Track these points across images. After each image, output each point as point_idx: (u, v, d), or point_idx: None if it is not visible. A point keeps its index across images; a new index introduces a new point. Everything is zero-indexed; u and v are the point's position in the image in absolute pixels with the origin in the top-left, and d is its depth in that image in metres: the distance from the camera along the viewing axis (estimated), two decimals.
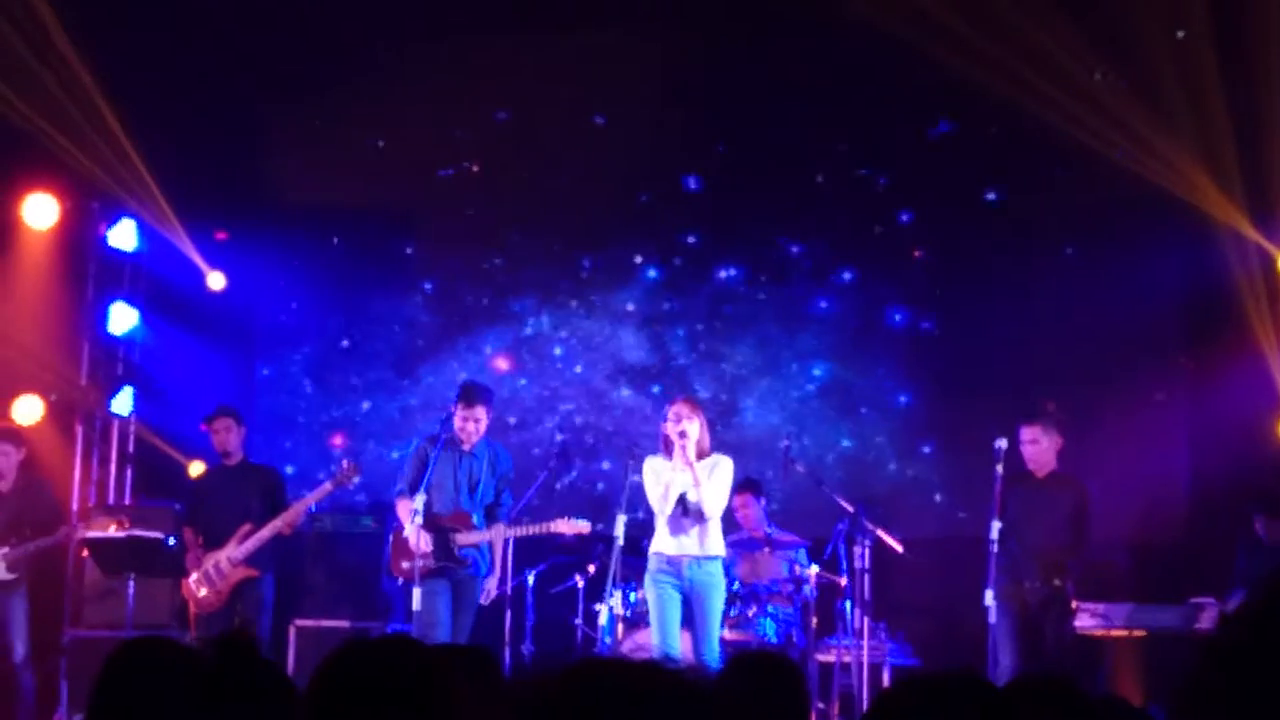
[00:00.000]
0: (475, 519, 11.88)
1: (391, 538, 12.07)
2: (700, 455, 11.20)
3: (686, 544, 11.18)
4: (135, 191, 14.62)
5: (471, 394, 12.02)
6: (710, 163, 15.13)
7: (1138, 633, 12.38)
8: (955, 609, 12.69)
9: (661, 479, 11.20)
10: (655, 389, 15.13)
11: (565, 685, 3.23)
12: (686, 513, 11.18)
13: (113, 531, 12.96)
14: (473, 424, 11.93)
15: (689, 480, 11.13)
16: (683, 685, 3.24)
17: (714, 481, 11.18)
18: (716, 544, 11.23)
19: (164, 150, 14.55)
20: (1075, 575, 11.80)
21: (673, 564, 11.16)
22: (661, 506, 11.20)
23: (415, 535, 11.37)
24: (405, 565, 11.65)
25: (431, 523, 11.64)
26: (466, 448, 11.95)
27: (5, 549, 12.76)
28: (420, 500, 11.34)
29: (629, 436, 14.28)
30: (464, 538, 11.78)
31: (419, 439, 12.23)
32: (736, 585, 12.47)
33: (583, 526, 11.88)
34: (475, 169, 15.47)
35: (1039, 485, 11.96)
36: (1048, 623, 11.74)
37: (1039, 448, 11.95)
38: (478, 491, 11.94)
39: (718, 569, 11.23)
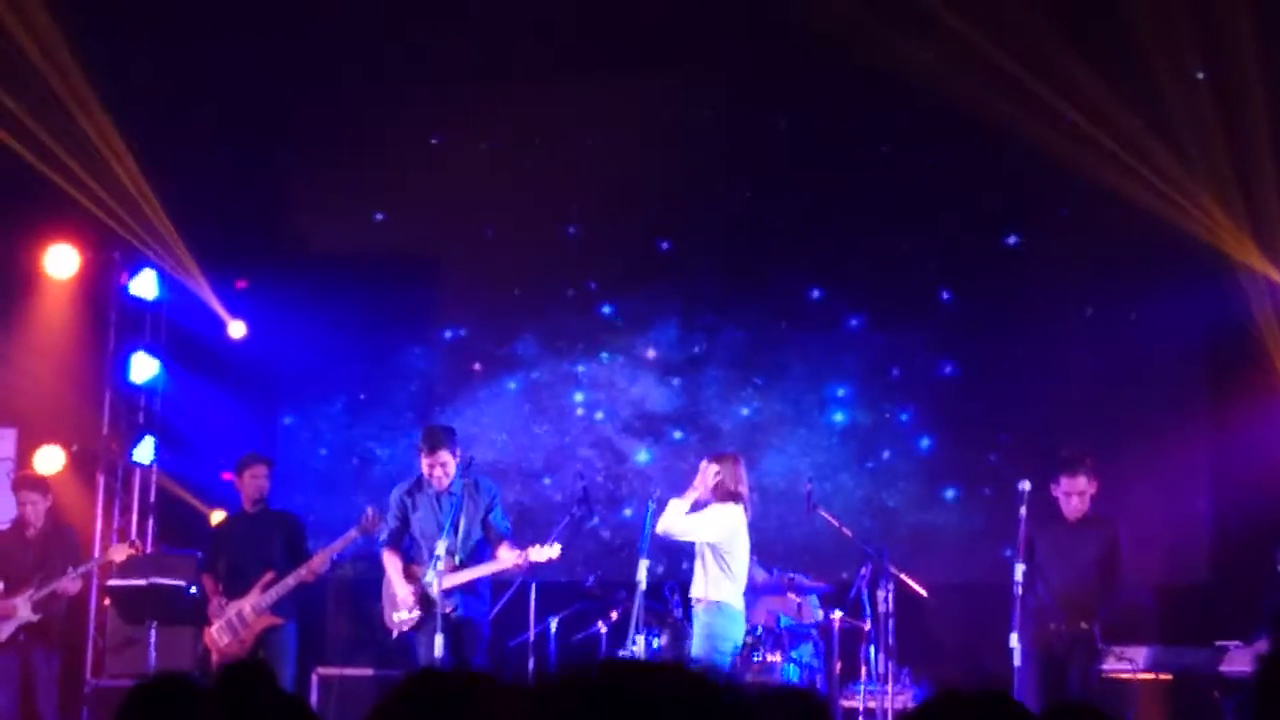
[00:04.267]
0: (458, 559, 11.71)
1: (384, 586, 12.01)
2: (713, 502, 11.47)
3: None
4: (156, 241, 14.68)
5: (432, 439, 12.02)
6: (731, 208, 15.13)
7: (1164, 676, 12.29)
8: (980, 653, 12.64)
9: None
10: (676, 435, 15.11)
11: (588, 679, 3.23)
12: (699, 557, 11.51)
13: (128, 554, 13.03)
14: (439, 469, 11.91)
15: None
16: (702, 684, 3.25)
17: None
18: (704, 588, 11.28)
19: (184, 200, 14.62)
20: (1105, 618, 11.69)
21: None
22: None
23: (437, 583, 11.26)
24: (395, 617, 11.62)
25: (412, 572, 11.63)
26: (441, 489, 11.92)
27: (30, 591, 12.81)
28: (443, 545, 11.25)
29: (650, 482, 14.27)
30: (447, 580, 11.56)
31: (396, 489, 12.25)
32: (759, 630, 12.45)
33: (552, 552, 11.80)
34: (493, 218, 15.49)
35: (1070, 528, 11.81)
36: (1073, 666, 11.65)
37: (1085, 499, 11.85)
38: (460, 530, 11.75)
39: (702, 613, 11.29)
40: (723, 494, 11.43)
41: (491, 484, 12.25)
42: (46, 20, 13.21)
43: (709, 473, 11.49)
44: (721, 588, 11.25)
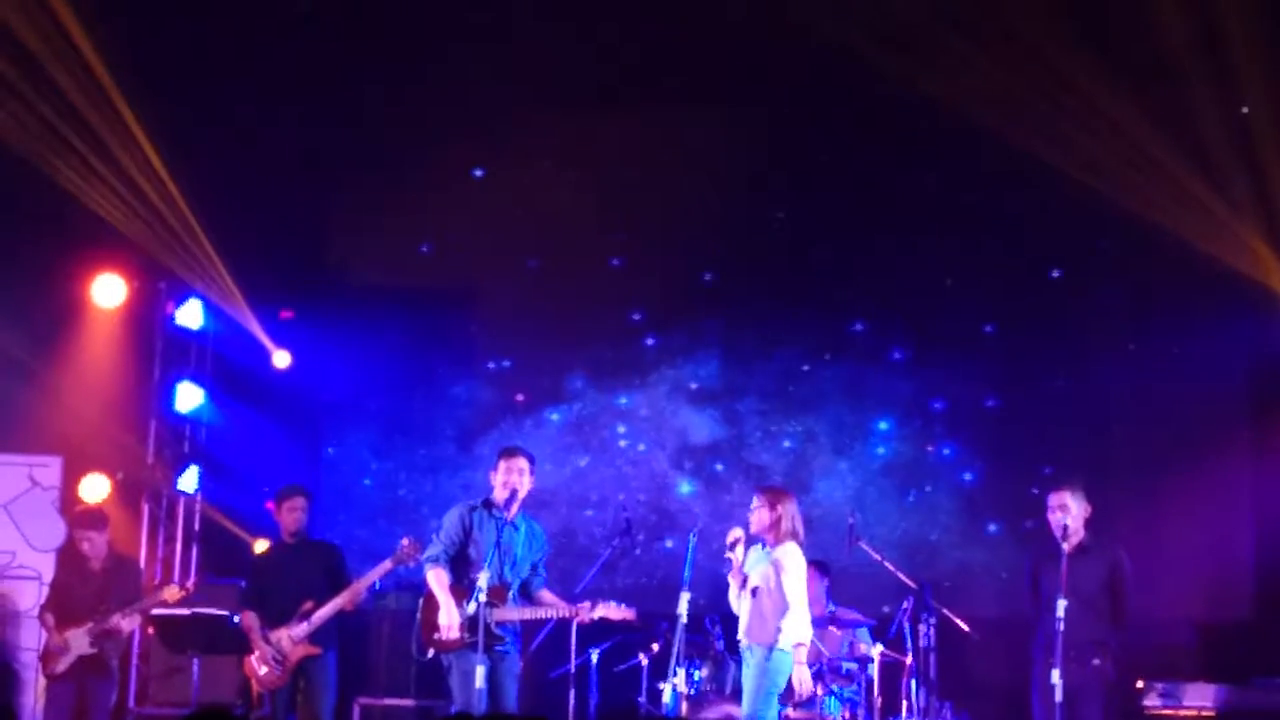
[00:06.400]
0: (510, 594, 11.32)
1: (421, 605, 11.43)
2: (776, 542, 11.23)
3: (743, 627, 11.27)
4: (202, 271, 14.74)
5: (511, 447, 11.65)
6: (775, 241, 15.13)
7: (1206, 712, 12.24)
8: (1021, 688, 12.59)
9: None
10: (719, 466, 15.12)
11: None
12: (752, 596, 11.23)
13: (180, 597, 13.02)
14: (516, 475, 11.34)
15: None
16: None
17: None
18: (770, 632, 11.15)
19: (230, 231, 14.67)
20: (1115, 652, 11.48)
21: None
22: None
23: (479, 611, 10.95)
24: (438, 637, 11.19)
25: (460, 593, 11.26)
26: (509, 515, 11.33)
27: (90, 624, 12.81)
28: (485, 577, 10.97)
29: (692, 514, 14.28)
30: (500, 613, 11.17)
31: (457, 507, 11.55)
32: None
33: (628, 614, 11.58)
34: (536, 250, 15.53)
35: (1071, 558, 11.37)
36: (1085, 704, 11.39)
37: (1069, 514, 11.55)
38: (515, 565, 11.37)
39: (764, 654, 11.13)
40: (786, 533, 11.28)
41: (545, 537, 11.75)
42: (94, 56, 13.30)
43: (769, 514, 11.33)
44: (780, 629, 11.09)
